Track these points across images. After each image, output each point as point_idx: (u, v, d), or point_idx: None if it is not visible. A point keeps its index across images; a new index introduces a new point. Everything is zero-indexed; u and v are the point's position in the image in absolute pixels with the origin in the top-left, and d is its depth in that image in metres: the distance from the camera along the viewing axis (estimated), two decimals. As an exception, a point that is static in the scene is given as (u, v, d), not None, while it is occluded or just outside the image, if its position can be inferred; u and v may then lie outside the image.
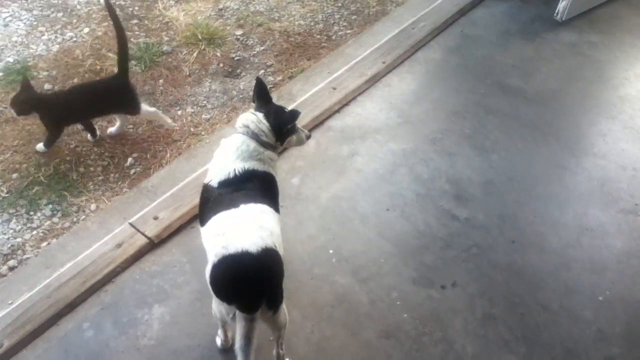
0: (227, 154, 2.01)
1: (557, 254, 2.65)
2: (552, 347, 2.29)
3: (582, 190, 2.96)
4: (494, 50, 4.02)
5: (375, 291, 2.46)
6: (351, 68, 3.62)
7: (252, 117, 2.08)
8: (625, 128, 3.37)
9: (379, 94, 3.53)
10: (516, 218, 2.81)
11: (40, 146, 2.92)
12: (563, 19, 4.31)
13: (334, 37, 3.99)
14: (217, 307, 1.89)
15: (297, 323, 2.28)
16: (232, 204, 1.88)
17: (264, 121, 2.07)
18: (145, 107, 2.96)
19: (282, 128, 2.11)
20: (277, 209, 2.03)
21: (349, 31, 4.05)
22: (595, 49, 4.08)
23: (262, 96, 2.16)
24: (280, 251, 1.87)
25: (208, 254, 1.84)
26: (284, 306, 1.92)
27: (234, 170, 1.97)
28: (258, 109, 2.12)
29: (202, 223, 1.94)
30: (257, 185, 1.98)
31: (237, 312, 1.76)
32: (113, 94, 2.87)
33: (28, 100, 2.73)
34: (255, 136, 2.05)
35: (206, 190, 2.01)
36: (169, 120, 3.11)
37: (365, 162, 3.06)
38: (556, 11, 4.32)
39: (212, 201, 1.94)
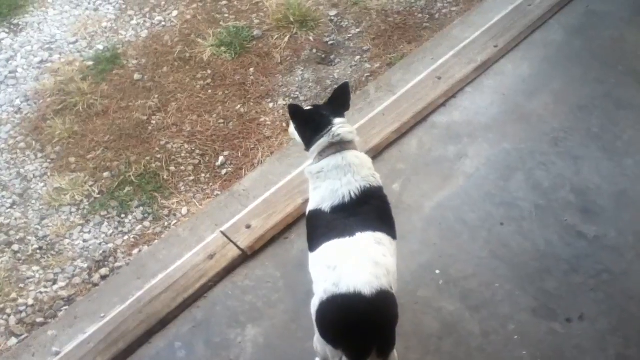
0: (337, 175, 1.79)
1: None
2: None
3: None
4: (627, 30, 3.44)
5: (489, 322, 2.17)
6: (458, 53, 3.23)
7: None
8: None
9: (489, 84, 3.12)
10: None
11: None
12: None
13: (437, 16, 3.59)
14: (321, 346, 1.71)
15: (401, 355, 2.03)
16: (346, 231, 1.68)
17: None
18: None
19: None
20: (394, 234, 1.80)
21: (454, 8, 3.63)
22: None
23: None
24: (395, 287, 1.66)
25: (315, 285, 1.67)
26: (395, 352, 1.70)
27: (349, 192, 1.76)
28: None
29: (312, 249, 1.75)
30: (374, 208, 1.78)
31: (344, 357, 1.57)
32: None
33: None
34: (354, 146, 1.87)
35: (315, 217, 1.81)
36: None
37: (475, 166, 2.72)
38: None
39: (324, 226, 1.75)
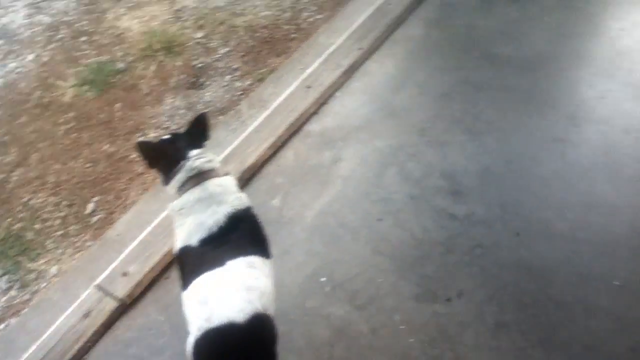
0: (201, 208, 1.76)
1: (566, 239, 2.42)
2: (569, 347, 2.10)
3: (586, 163, 2.71)
4: (477, 16, 3.70)
5: (376, 317, 2.25)
6: (325, 60, 3.32)
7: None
8: (625, 86, 3.09)
9: (358, 85, 3.24)
10: (518, 206, 2.57)
11: None
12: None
13: (303, 26, 3.66)
14: None
15: (295, 370, 2.08)
16: (217, 262, 1.65)
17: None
18: None
19: None
20: (267, 253, 1.79)
21: (319, 16, 3.72)
22: (585, 0, 3.75)
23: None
24: (272, 308, 1.66)
25: (190, 325, 1.61)
26: None
27: (216, 222, 1.73)
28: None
29: (184, 287, 1.70)
30: (245, 232, 1.75)
31: None
32: None
33: None
34: (216, 173, 1.83)
35: (185, 254, 1.75)
36: None
37: (351, 167, 2.80)
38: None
39: (194, 262, 1.70)
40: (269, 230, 2.45)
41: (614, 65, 3.24)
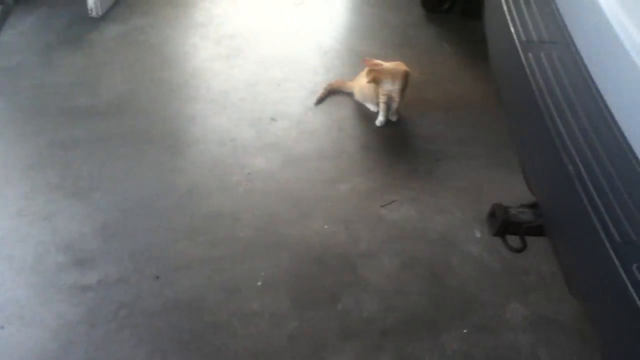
0: None
1: (202, 262, 2.48)
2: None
3: (199, 184, 2.85)
4: (43, 74, 3.51)
5: None
6: None
7: None
8: (207, 103, 3.40)
9: None
10: (150, 249, 2.53)
11: None
12: (100, 13, 4.05)
13: None
14: None
15: None
16: None
17: None
18: None
19: None
20: None
21: None
22: (145, 33, 4.01)
23: None
24: None
25: None
26: None
27: None
28: None
29: None
30: None
31: None
32: None
33: None
34: None
35: None
36: None
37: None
38: (89, 8, 4.00)
39: None
40: None
41: (191, 86, 3.53)
